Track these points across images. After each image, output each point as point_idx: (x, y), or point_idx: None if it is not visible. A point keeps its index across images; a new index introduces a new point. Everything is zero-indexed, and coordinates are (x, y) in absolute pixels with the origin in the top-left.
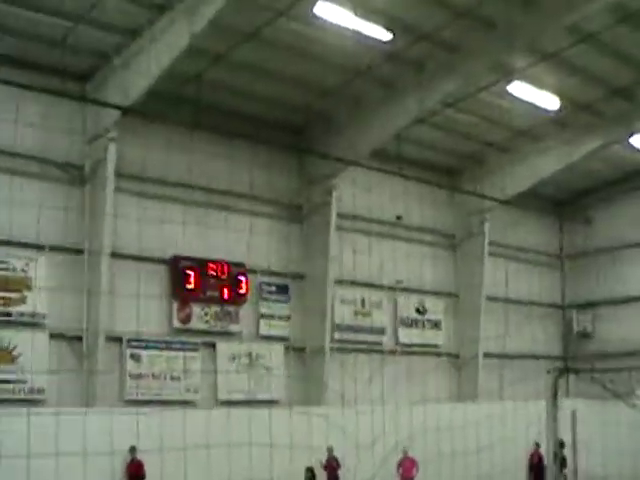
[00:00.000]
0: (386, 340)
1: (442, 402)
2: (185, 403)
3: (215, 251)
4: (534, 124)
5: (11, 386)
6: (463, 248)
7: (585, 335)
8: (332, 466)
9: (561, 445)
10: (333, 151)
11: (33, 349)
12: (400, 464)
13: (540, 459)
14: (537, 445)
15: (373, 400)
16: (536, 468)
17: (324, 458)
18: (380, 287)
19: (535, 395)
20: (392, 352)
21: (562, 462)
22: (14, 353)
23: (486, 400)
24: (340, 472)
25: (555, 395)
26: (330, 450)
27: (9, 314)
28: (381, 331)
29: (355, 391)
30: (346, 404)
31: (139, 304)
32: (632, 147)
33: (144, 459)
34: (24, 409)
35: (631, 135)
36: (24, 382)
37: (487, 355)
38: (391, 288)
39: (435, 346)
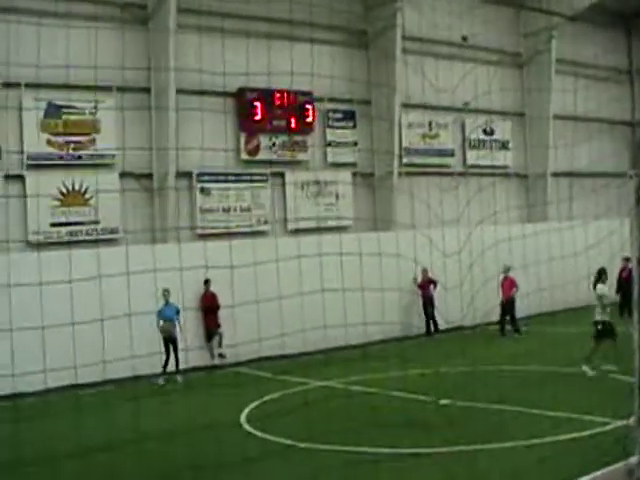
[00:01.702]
0: (454, 162)
1: (513, 222)
2: (256, 234)
3: (280, 81)
4: None
5: (85, 227)
6: (530, 66)
7: None
8: (426, 286)
9: None
10: None
11: (105, 189)
12: (501, 284)
13: (630, 274)
14: (626, 260)
15: (444, 221)
16: (625, 284)
17: (419, 277)
18: (447, 109)
19: (606, 213)
20: (460, 174)
21: None
22: (86, 195)
23: (556, 218)
24: (435, 292)
25: (639, 201)
26: (425, 271)
27: (80, 157)
28: (449, 153)
29: (422, 214)
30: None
31: (207, 139)
32: None
33: (217, 290)
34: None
35: None
36: (97, 222)
37: (555, 174)
38: (458, 110)
39: (503, 167)
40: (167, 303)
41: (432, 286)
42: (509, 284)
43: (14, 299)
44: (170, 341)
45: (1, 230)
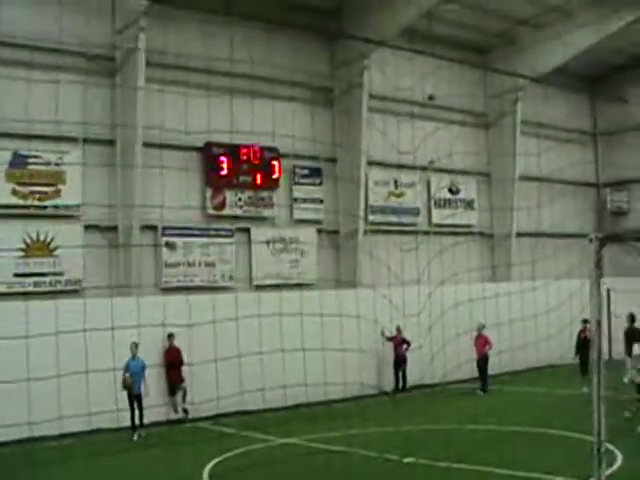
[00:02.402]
0: (420, 221)
1: (476, 281)
2: (220, 289)
3: (248, 137)
4: None
5: (48, 279)
6: (495, 127)
7: (620, 213)
8: (399, 344)
9: (632, 319)
10: (363, 32)
11: (69, 241)
12: (475, 341)
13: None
14: (585, 322)
15: (408, 281)
16: (584, 345)
17: (387, 332)
18: (412, 168)
19: (568, 273)
20: (426, 233)
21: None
22: (51, 246)
23: (519, 278)
24: (408, 352)
25: (598, 264)
26: (398, 330)
27: (44, 207)
28: (415, 212)
29: (386, 272)
30: (380, 285)
31: (173, 192)
32: None
33: (180, 344)
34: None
35: None
36: (61, 274)
37: (520, 234)
38: (424, 169)
39: (469, 226)
40: (134, 357)
41: (405, 345)
42: (483, 342)
43: None
44: (134, 397)
45: None
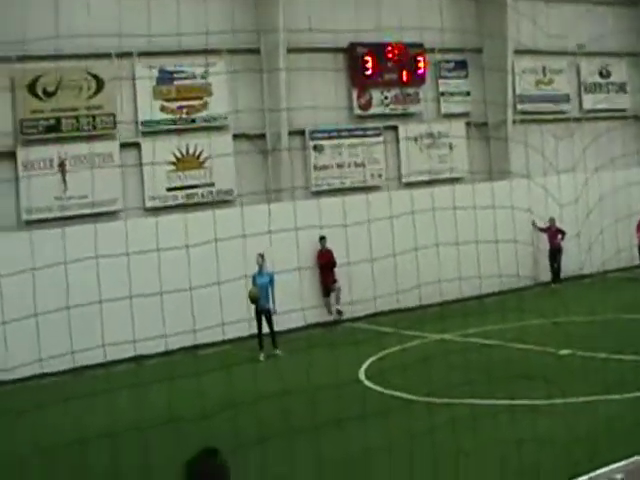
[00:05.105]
0: (570, 108)
1: (632, 166)
2: (371, 189)
3: (391, 34)
4: None
5: (200, 190)
6: None
7: None
8: (554, 235)
9: None
10: None
11: (218, 152)
12: (638, 226)
13: None
14: None
15: (561, 169)
16: None
17: (540, 222)
18: (561, 53)
19: None
20: (577, 119)
21: None
22: (200, 158)
23: None
24: (563, 242)
25: None
26: (553, 220)
27: (193, 120)
28: (564, 99)
29: (537, 162)
30: (533, 175)
31: (318, 96)
32: None
33: (335, 246)
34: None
35: None
36: (212, 185)
37: None
38: (572, 53)
39: (621, 110)
40: (260, 270)
41: (560, 236)
42: None
43: (133, 266)
44: (262, 311)
45: (118, 197)
